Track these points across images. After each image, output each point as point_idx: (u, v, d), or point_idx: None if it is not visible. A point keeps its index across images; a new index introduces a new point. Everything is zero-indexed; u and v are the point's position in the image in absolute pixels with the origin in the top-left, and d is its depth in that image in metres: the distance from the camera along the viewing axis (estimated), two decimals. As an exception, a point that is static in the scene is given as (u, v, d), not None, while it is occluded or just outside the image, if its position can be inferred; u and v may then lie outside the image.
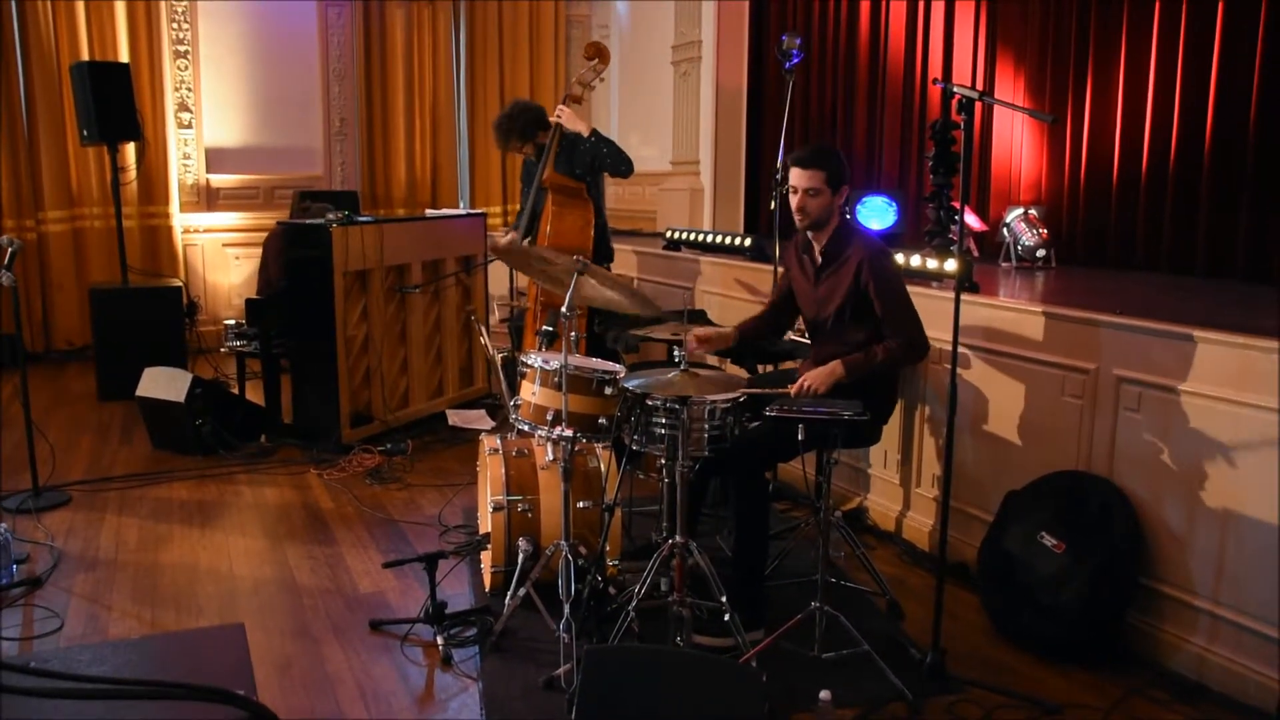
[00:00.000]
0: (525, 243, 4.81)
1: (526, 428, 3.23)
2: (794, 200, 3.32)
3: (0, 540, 3.51)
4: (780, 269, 4.06)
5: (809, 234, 3.38)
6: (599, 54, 4.91)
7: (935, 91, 5.74)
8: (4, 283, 3.98)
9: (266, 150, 8.28)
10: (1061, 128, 5.01)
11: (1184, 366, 2.95)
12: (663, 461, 2.96)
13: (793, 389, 3.22)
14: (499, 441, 3.58)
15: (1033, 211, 4.81)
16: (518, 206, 5.28)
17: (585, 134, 4.74)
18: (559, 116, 4.78)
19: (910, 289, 3.43)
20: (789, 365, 3.86)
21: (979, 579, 3.43)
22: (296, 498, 4.50)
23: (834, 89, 6.63)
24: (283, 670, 2.99)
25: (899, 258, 4.21)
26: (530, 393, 3.19)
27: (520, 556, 3.27)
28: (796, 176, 3.29)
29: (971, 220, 5.03)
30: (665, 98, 7.81)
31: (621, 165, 4.77)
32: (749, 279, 5.03)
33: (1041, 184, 5.18)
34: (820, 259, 3.39)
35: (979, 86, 5.40)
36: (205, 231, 8.07)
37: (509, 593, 3.23)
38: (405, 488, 4.64)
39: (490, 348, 4.08)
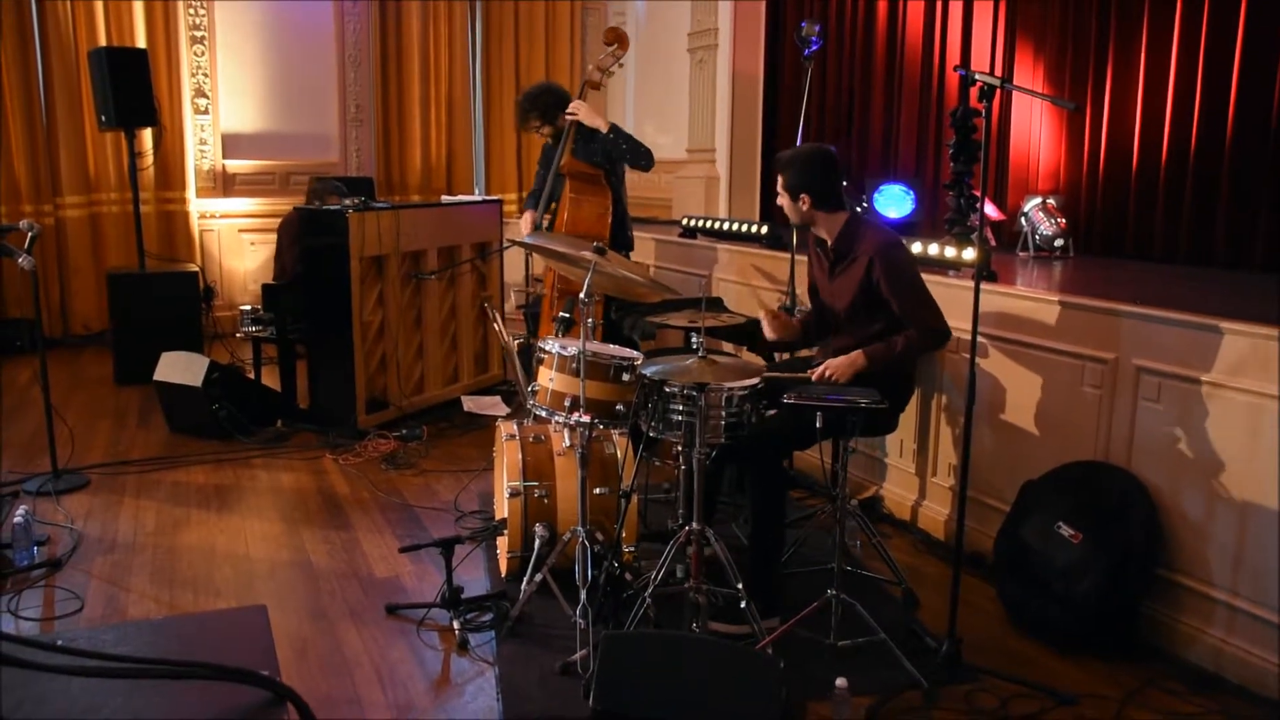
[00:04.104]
0: (544, 227, 4.80)
1: (544, 413, 3.24)
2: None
3: (21, 522, 3.55)
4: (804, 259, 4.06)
5: (818, 231, 3.40)
6: (618, 40, 4.89)
7: (953, 80, 5.70)
8: (24, 266, 4.01)
9: (282, 136, 8.30)
10: (1081, 117, 4.97)
11: (1204, 357, 2.93)
12: (679, 448, 2.96)
13: (814, 374, 3.22)
14: (515, 427, 3.59)
15: (1051, 201, 4.78)
16: (531, 189, 5.27)
17: (603, 129, 4.68)
18: (575, 112, 4.73)
19: (927, 277, 3.41)
20: (805, 354, 3.86)
21: (995, 569, 3.42)
22: (312, 482, 4.53)
23: (851, 77, 6.59)
24: (300, 653, 3.01)
25: (916, 246, 4.19)
26: (548, 379, 3.20)
27: (536, 542, 3.28)
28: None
29: (989, 209, 4.99)
30: (681, 86, 7.77)
31: (641, 160, 4.71)
32: (765, 266, 5.02)
33: (1060, 173, 5.14)
34: (832, 255, 3.40)
35: (998, 75, 5.35)
36: (221, 217, 8.10)
37: (525, 578, 3.24)
38: (421, 473, 4.66)
39: (504, 335, 4.09)
